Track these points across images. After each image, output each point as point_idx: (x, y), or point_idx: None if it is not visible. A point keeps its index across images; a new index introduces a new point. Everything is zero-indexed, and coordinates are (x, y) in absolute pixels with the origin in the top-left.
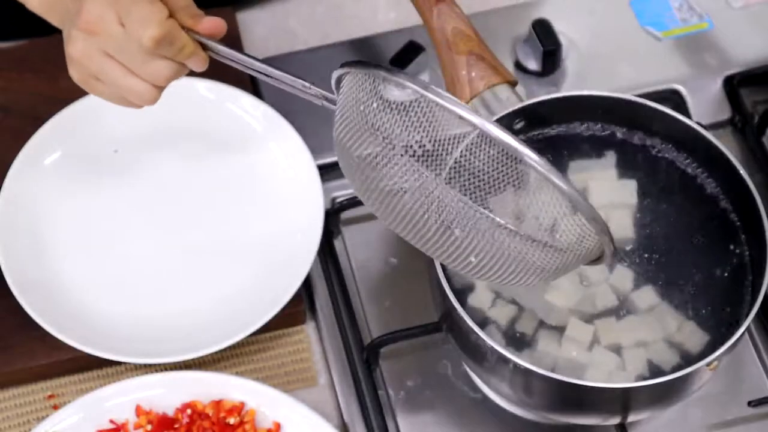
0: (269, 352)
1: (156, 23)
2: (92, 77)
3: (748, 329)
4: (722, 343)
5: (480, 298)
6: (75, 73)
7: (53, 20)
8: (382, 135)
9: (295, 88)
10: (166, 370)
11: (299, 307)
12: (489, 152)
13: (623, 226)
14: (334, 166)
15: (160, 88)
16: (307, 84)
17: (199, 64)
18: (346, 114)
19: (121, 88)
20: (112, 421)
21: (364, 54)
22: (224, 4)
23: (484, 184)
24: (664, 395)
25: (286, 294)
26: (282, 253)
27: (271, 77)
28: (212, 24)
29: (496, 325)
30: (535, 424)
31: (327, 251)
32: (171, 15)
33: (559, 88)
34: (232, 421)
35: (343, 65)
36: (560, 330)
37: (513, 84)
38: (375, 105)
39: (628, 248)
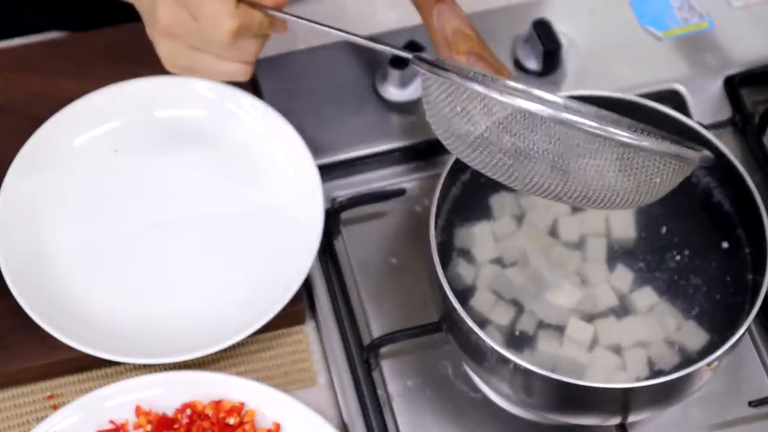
0: (269, 352)
1: (228, 17)
2: (186, 69)
3: (748, 329)
4: (722, 343)
5: (480, 298)
6: (170, 68)
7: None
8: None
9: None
10: (166, 370)
11: (299, 307)
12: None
13: (623, 226)
14: (334, 166)
15: (251, 63)
16: (378, 45)
17: (280, 29)
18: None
19: (215, 73)
20: (111, 422)
21: (364, 54)
22: None
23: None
24: (664, 395)
25: (286, 294)
26: (282, 253)
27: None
28: None
29: (496, 325)
30: (535, 424)
31: (327, 251)
32: None
33: (559, 88)
34: (231, 421)
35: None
36: (560, 330)
37: None
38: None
39: (628, 248)
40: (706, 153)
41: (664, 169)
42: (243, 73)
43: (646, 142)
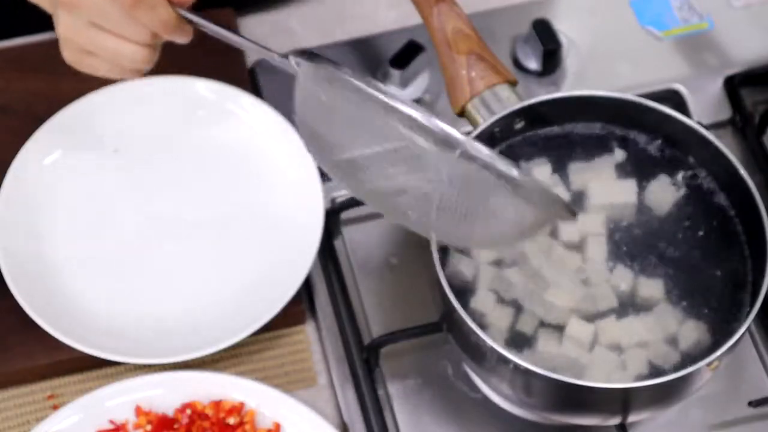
0: (269, 352)
1: None
2: (84, 52)
3: (748, 329)
4: (722, 343)
5: (480, 298)
6: (67, 53)
7: (45, 5)
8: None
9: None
10: (166, 370)
11: (299, 307)
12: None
13: (623, 225)
14: None
15: (150, 47)
16: (277, 56)
17: (173, 32)
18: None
19: (112, 53)
20: (111, 422)
21: (364, 54)
22: (224, 5)
23: None
24: (664, 395)
25: (286, 294)
26: (282, 253)
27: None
28: None
29: (496, 324)
30: (535, 424)
31: (327, 251)
32: None
33: (559, 88)
34: (231, 421)
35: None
36: (560, 329)
37: (513, 84)
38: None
39: (628, 248)
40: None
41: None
42: (141, 56)
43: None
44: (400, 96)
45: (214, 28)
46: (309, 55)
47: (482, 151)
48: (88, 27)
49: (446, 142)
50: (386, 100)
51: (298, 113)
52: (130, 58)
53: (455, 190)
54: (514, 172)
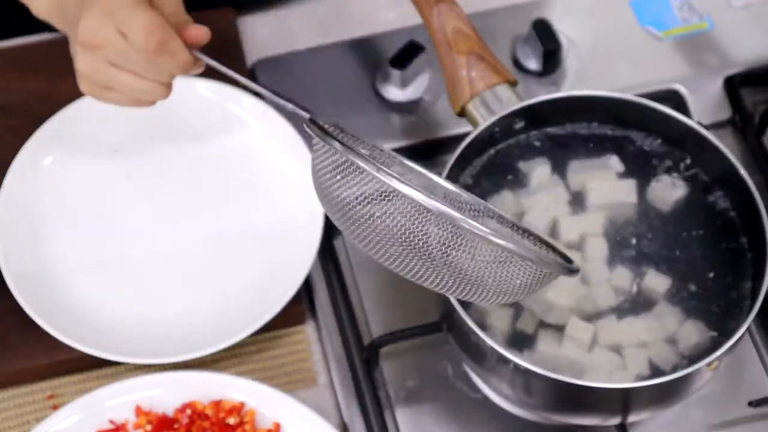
0: (269, 352)
1: (158, 29)
2: (102, 87)
3: (748, 329)
4: (722, 343)
5: None
6: (85, 86)
7: (58, 24)
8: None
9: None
10: (166, 370)
11: (299, 307)
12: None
13: (623, 226)
14: None
15: (169, 85)
16: (290, 105)
17: (190, 71)
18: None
19: (132, 91)
20: (111, 421)
21: (365, 54)
22: (224, 4)
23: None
24: (664, 395)
25: (286, 294)
26: (282, 254)
27: (256, 91)
28: (195, 32)
29: (496, 325)
30: (535, 424)
31: (327, 251)
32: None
33: (559, 88)
34: (232, 421)
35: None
36: (560, 329)
37: (513, 84)
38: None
39: (628, 248)
40: (572, 266)
41: (524, 271)
42: (159, 93)
43: (511, 244)
44: (411, 170)
45: (229, 72)
46: (319, 126)
47: (481, 228)
48: (108, 66)
49: (453, 223)
50: (392, 184)
51: (313, 171)
52: (149, 94)
53: (464, 262)
54: (512, 246)
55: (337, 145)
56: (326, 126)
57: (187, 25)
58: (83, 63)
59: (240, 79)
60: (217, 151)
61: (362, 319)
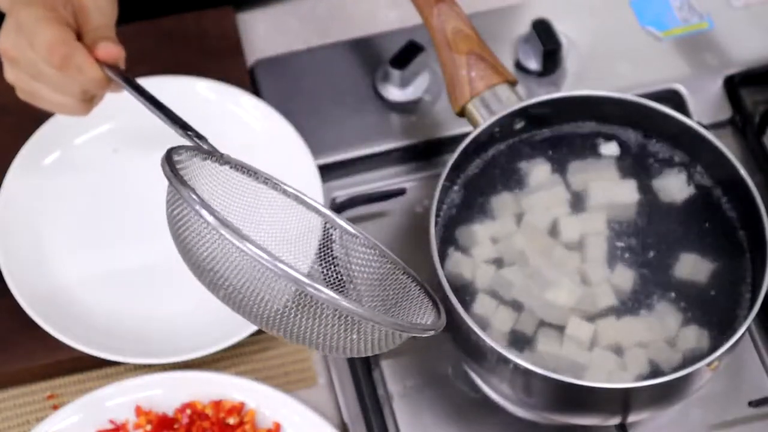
0: (269, 352)
1: (61, 44)
2: (30, 96)
3: (748, 329)
4: (722, 343)
5: (480, 298)
6: (19, 94)
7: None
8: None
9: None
10: (166, 370)
11: None
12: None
13: (623, 225)
14: (334, 166)
15: (87, 101)
16: (182, 132)
17: (105, 88)
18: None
19: (53, 104)
20: (111, 421)
21: (364, 54)
22: (224, 4)
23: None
24: (664, 395)
25: None
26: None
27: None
28: (106, 51)
29: (496, 325)
30: (535, 424)
31: None
32: (79, 37)
33: (559, 88)
34: (231, 421)
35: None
36: (560, 329)
37: (513, 84)
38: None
39: (628, 248)
40: (437, 323)
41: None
42: (78, 109)
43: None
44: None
45: (137, 96)
46: (171, 164)
47: (325, 291)
48: (29, 78)
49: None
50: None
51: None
52: (68, 110)
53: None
54: (361, 310)
55: (177, 185)
56: (176, 159)
57: (99, 43)
58: (9, 73)
59: (145, 103)
60: None
61: None
